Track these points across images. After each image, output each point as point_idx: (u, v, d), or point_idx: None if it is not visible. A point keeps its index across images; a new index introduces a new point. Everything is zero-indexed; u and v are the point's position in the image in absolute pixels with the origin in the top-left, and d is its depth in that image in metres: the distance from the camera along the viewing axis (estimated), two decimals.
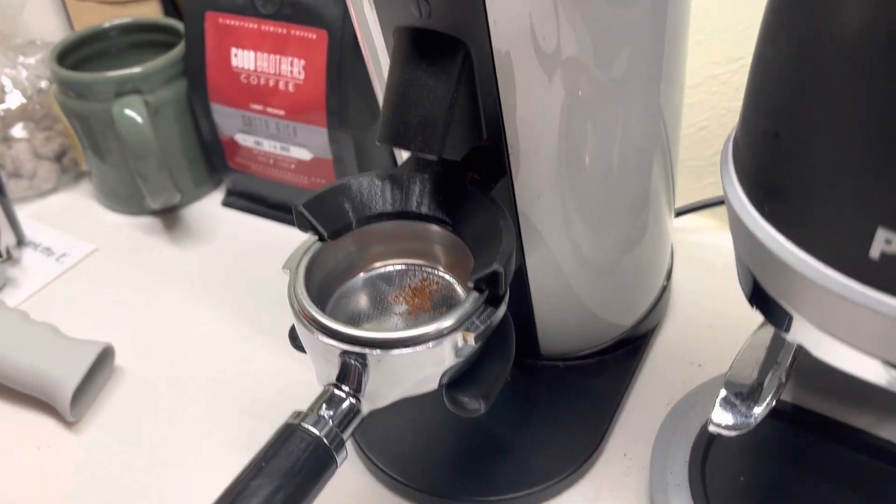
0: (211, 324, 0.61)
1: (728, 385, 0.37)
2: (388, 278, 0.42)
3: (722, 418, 0.36)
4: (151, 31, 0.73)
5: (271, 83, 0.62)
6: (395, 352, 0.34)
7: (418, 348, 0.34)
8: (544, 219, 0.43)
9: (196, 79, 0.65)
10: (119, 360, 0.58)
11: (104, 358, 0.56)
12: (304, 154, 0.63)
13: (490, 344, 0.38)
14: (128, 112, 0.62)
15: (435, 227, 0.40)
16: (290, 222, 0.69)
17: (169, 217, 0.72)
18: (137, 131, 0.62)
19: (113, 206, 0.73)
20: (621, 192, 0.44)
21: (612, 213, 0.45)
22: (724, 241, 0.64)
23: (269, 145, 0.65)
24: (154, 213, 0.72)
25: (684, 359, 0.55)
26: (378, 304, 0.40)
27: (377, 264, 0.42)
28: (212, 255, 0.68)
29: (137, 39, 0.73)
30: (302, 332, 0.37)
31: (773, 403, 0.36)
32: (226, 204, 0.72)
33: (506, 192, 0.41)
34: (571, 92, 0.37)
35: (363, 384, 0.36)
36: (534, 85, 0.36)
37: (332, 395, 0.36)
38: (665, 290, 0.56)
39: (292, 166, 0.65)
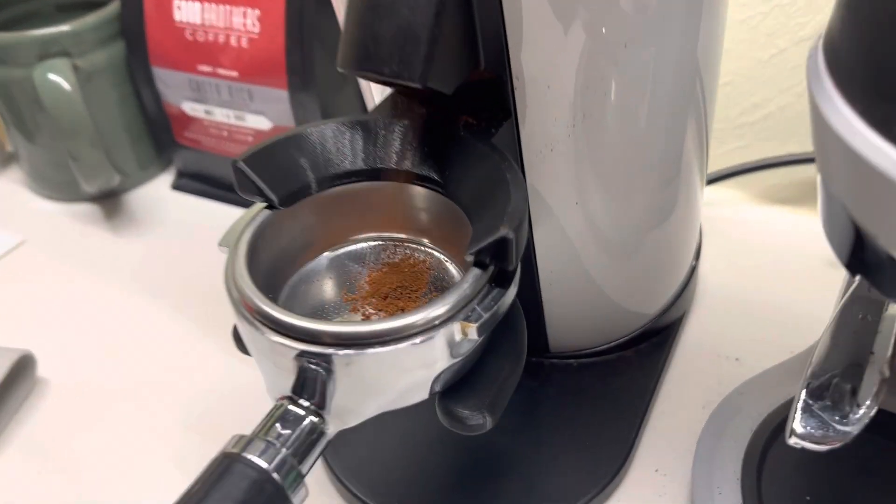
0: (156, 326, 0.53)
1: (811, 384, 0.28)
2: (359, 257, 0.33)
3: (807, 429, 0.27)
4: None
5: (221, 39, 0.53)
6: (371, 351, 0.25)
7: (401, 345, 0.25)
8: (556, 183, 0.35)
9: (134, 38, 0.57)
10: (43, 369, 0.49)
11: (22, 368, 0.47)
12: (262, 123, 0.54)
13: (495, 338, 0.29)
14: (52, 77, 0.53)
15: (420, 189, 0.31)
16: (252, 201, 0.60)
17: (109, 203, 0.64)
18: (64, 101, 0.53)
19: (43, 192, 0.65)
20: (650, 153, 0.36)
21: (639, 179, 0.37)
22: (754, 216, 0.56)
23: (221, 114, 0.56)
24: (92, 199, 0.64)
25: (718, 352, 0.47)
26: (348, 292, 0.31)
27: (345, 240, 0.33)
28: (159, 245, 0.60)
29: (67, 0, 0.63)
30: (245, 330, 0.27)
31: (875, 407, 0.27)
32: (176, 187, 0.63)
33: (509, 145, 0.32)
34: (597, 15, 0.28)
35: (328, 396, 0.27)
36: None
37: (287, 412, 0.27)
38: (693, 272, 0.47)
39: (249, 138, 0.56)
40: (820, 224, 0.27)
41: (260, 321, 0.26)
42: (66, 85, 0.53)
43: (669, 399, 0.44)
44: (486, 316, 0.26)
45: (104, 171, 0.56)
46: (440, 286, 0.31)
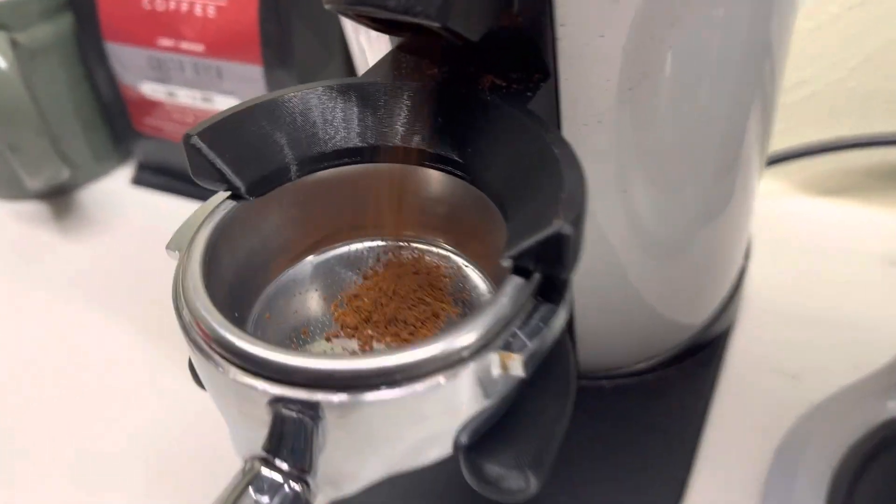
0: (112, 346, 0.45)
1: None
2: (354, 263, 0.25)
3: None
4: None
5: (184, 8, 0.45)
6: (375, 396, 0.18)
7: (417, 387, 0.18)
8: (600, 165, 0.27)
9: (84, 9, 0.50)
10: None
11: None
12: (233, 104, 0.46)
13: (536, 369, 0.21)
14: None
15: (433, 172, 0.24)
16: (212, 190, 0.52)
17: (59, 201, 0.57)
18: (1, 82, 0.45)
19: None
20: (712, 132, 0.29)
21: (696, 163, 0.30)
22: (798, 208, 0.49)
23: (186, 96, 0.48)
24: (38, 196, 0.57)
25: (773, 368, 0.40)
26: (339, 308, 0.23)
27: (336, 240, 0.25)
28: (117, 250, 0.52)
29: None
30: (201, 365, 0.20)
31: None
32: (137, 182, 0.55)
33: (545, 115, 0.25)
34: None
35: (315, 456, 0.19)
36: None
37: (259, 477, 0.19)
38: (742, 275, 0.40)
39: None
40: (875, 217, 0.20)
41: (220, 354, 0.19)
42: (2, 63, 0.46)
43: (722, 426, 0.37)
44: (533, 344, 0.19)
45: (50, 163, 0.49)
46: (463, 301, 0.23)
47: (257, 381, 0.18)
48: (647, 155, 0.28)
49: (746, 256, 0.41)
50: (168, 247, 0.22)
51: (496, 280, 0.24)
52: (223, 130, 0.22)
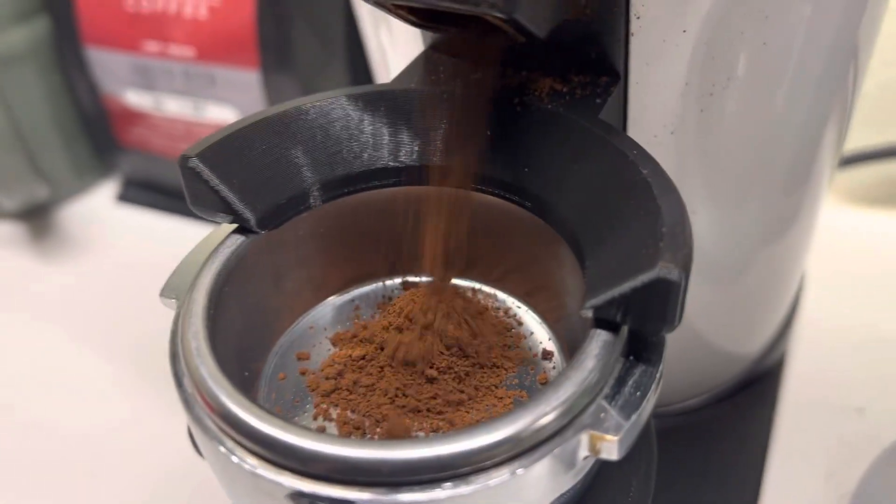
0: (94, 377, 0.41)
1: None
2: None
3: None
4: None
5: (173, 8, 0.42)
6: (430, 494, 0.14)
7: (486, 483, 0.14)
8: None
9: (62, 12, 0.46)
10: None
11: None
12: (227, 115, 0.44)
13: None
14: None
15: (483, 198, 0.20)
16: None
17: (37, 221, 0.53)
18: None
19: None
20: (784, 147, 0.25)
21: (765, 179, 0.26)
22: (847, 220, 0.45)
23: (175, 106, 0.44)
24: (14, 216, 0.53)
25: (834, 401, 0.37)
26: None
27: (363, 278, 0.21)
28: (101, 273, 0.48)
29: None
30: (205, 443, 0.16)
31: None
32: (123, 198, 0.51)
33: (613, 122, 0.21)
34: None
35: None
36: None
37: None
38: (797, 299, 0.37)
39: None
40: None
41: (231, 437, 0.15)
42: None
43: (783, 470, 0.33)
44: (629, 421, 0.15)
45: (26, 180, 0.45)
46: (523, 360, 0.19)
47: (279, 474, 0.14)
48: (718, 167, 0.24)
49: (800, 279, 0.37)
50: (163, 294, 0.18)
51: (555, 328, 0.20)
52: (228, 150, 0.18)
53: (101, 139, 0.51)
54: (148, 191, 0.52)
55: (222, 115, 0.44)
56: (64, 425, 0.39)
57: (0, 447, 0.38)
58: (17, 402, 0.40)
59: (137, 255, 0.49)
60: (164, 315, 0.42)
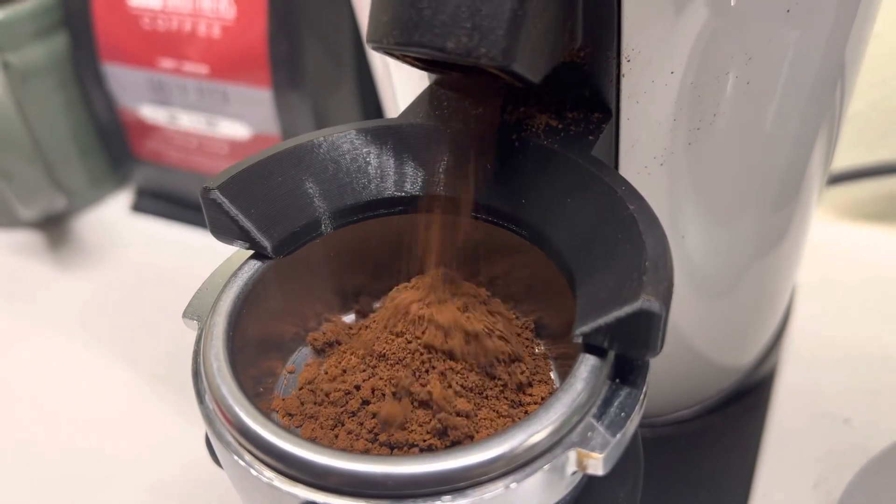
0: (111, 386, 0.42)
1: None
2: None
3: None
4: None
5: (187, 27, 0.43)
6: None
7: (482, 496, 0.15)
8: (649, 199, 0.25)
9: (79, 29, 0.47)
10: None
11: None
12: (239, 130, 0.44)
13: None
14: None
15: (483, 227, 0.21)
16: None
17: (54, 230, 0.54)
18: None
19: None
20: (772, 172, 0.26)
21: (757, 197, 0.27)
22: (839, 236, 0.46)
23: (189, 121, 0.46)
24: (32, 225, 0.54)
25: (822, 411, 0.38)
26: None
27: (371, 298, 0.23)
28: (115, 281, 0.49)
29: None
30: (221, 453, 0.17)
31: None
32: (136, 209, 0.53)
33: (603, 155, 0.22)
34: None
35: None
36: None
37: None
38: (788, 312, 0.38)
39: (224, 150, 0.46)
40: None
41: (250, 451, 0.16)
42: None
43: (772, 479, 0.35)
44: (614, 439, 0.16)
45: (45, 191, 0.46)
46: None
47: (294, 486, 0.16)
48: (707, 195, 0.25)
49: (791, 290, 0.39)
50: (185, 315, 0.20)
51: (552, 360, 0.21)
52: (247, 182, 0.20)
53: (116, 151, 0.52)
54: (161, 201, 0.53)
55: (234, 130, 0.45)
56: (76, 430, 0.40)
57: (15, 452, 0.39)
58: (32, 407, 0.41)
59: (150, 262, 0.50)
60: (175, 320, 0.44)
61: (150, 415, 0.40)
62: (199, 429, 0.38)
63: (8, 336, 0.45)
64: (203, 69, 0.43)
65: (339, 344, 0.22)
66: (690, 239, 0.27)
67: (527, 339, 0.22)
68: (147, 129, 0.48)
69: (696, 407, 0.35)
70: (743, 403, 0.36)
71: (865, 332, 0.40)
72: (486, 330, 0.19)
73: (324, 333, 0.22)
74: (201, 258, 0.49)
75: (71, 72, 0.49)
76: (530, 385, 0.20)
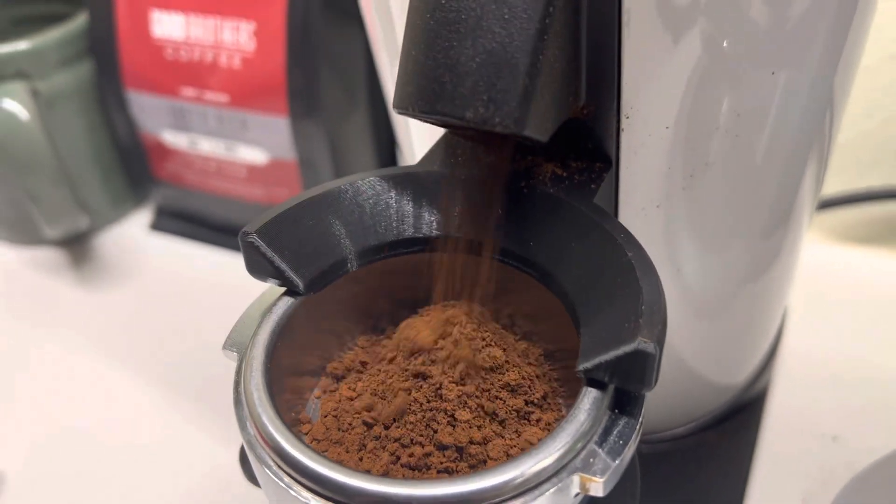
0: (133, 401, 0.44)
1: None
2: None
3: None
4: (43, 1, 0.55)
5: (209, 58, 0.44)
6: None
7: None
8: (652, 247, 0.26)
9: (105, 57, 0.49)
10: None
11: None
12: (257, 156, 0.46)
13: None
14: (6, 104, 0.45)
15: (495, 265, 0.23)
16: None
17: (76, 248, 0.56)
18: (21, 132, 0.45)
19: None
20: (763, 206, 0.28)
21: (748, 229, 0.29)
22: (830, 259, 0.48)
23: (209, 146, 0.47)
24: (55, 243, 0.56)
25: (812, 430, 0.40)
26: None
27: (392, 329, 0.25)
28: (136, 298, 0.51)
29: (24, 13, 0.56)
30: (261, 474, 0.19)
31: None
32: (155, 227, 0.55)
33: (602, 200, 0.24)
34: (750, 29, 0.20)
35: None
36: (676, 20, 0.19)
37: None
38: (780, 333, 0.40)
39: (242, 174, 0.48)
40: None
41: (290, 476, 0.18)
42: (23, 113, 0.45)
43: (763, 494, 0.36)
44: (614, 464, 0.18)
45: (69, 211, 0.48)
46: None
47: None
48: (700, 232, 0.27)
49: (783, 312, 0.41)
50: (225, 346, 0.22)
51: (556, 388, 0.23)
52: (281, 226, 0.22)
53: (137, 173, 0.53)
54: (179, 220, 0.55)
55: (252, 155, 0.47)
56: (97, 444, 0.41)
57: (39, 467, 0.40)
58: (51, 421, 0.43)
59: (168, 279, 0.52)
60: (195, 335, 0.46)
61: (170, 427, 0.42)
62: (219, 440, 0.40)
63: (31, 349, 0.47)
64: (223, 98, 0.45)
65: (359, 371, 0.24)
66: (686, 271, 0.29)
67: (539, 364, 0.24)
68: (167, 153, 0.50)
69: (692, 424, 0.37)
70: (736, 421, 0.38)
71: (854, 352, 0.42)
72: (499, 361, 0.21)
73: (341, 362, 0.24)
74: (217, 275, 0.51)
75: (94, 97, 0.51)
76: (537, 409, 0.22)
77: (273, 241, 0.22)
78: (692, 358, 0.34)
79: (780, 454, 0.38)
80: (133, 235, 0.56)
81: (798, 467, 0.37)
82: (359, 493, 0.18)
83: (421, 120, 0.20)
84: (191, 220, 0.54)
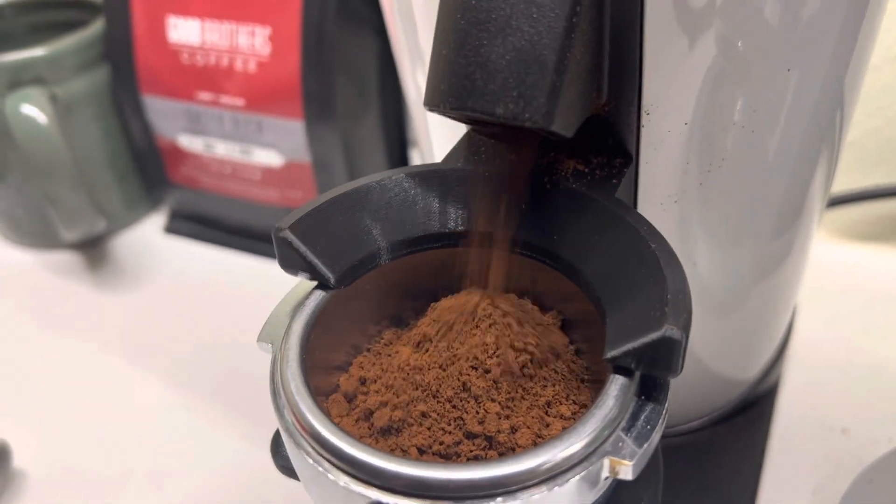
0: (151, 400, 0.45)
1: None
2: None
3: None
4: (60, 8, 0.56)
5: (224, 62, 0.45)
6: None
7: (528, 498, 0.18)
8: (671, 240, 0.27)
9: (121, 63, 0.50)
10: (19, 460, 0.41)
11: None
12: (272, 158, 0.47)
13: None
14: (25, 109, 0.45)
15: (521, 260, 0.24)
16: (258, 252, 0.52)
17: (92, 251, 0.56)
18: (40, 136, 0.46)
19: (16, 238, 0.58)
20: (776, 200, 0.29)
21: (755, 224, 0.30)
22: (839, 256, 0.49)
23: (224, 149, 0.48)
24: (72, 246, 0.56)
25: (821, 423, 0.40)
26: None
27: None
28: (151, 300, 0.52)
29: (41, 20, 0.56)
30: (298, 460, 0.20)
31: None
32: (170, 230, 0.56)
33: (622, 195, 0.25)
34: (766, 28, 0.21)
35: None
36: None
37: None
38: (790, 327, 0.40)
39: (257, 176, 0.48)
40: None
41: (328, 459, 0.19)
42: (41, 118, 0.46)
43: (775, 486, 0.37)
44: (642, 448, 0.19)
45: (87, 215, 0.49)
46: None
47: (363, 487, 0.18)
48: (715, 226, 0.28)
49: (794, 308, 0.41)
50: (260, 339, 0.22)
51: (582, 376, 0.24)
52: (312, 222, 0.22)
53: (152, 176, 0.54)
54: (192, 223, 0.56)
55: (267, 158, 0.48)
56: (114, 444, 0.42)
57: (55, 463, 0.41)
58: (67, 421, 0.43)
59: (182, 281, 0.53)
60: (211, 336, 0.47)
61: (185, 427, 0.42)
62: (235, 438, 0.41)
63: (48, 351, 0.48)
64: (239, 102, 0.46)
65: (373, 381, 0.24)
66: (701, 265, 0.29)
67: (566, 354, 0.24)
68: (183, 156, 0.51)
69: (705, 418, 0.38)
70: (748, 414, 0.39)
71: (863, 346, 0.43)
72: (529, 346, 0.22)
73: (350, 376, 0.24)
74: (231, 277, 0.52)
75: (110, 101, 0.51)
76: (565, 400, 0.22)
77: (306, 237, 0.22)
78: (705, 353, 0.34)
79: (791, 447, 0.39)
80: (148, 238, 0.57)
81: (809, 459, 0.38)
82: (397, 476, 0.18)
83: (451, 117, 0.21)
84: (205, 223, 0.55)
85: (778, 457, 0.38)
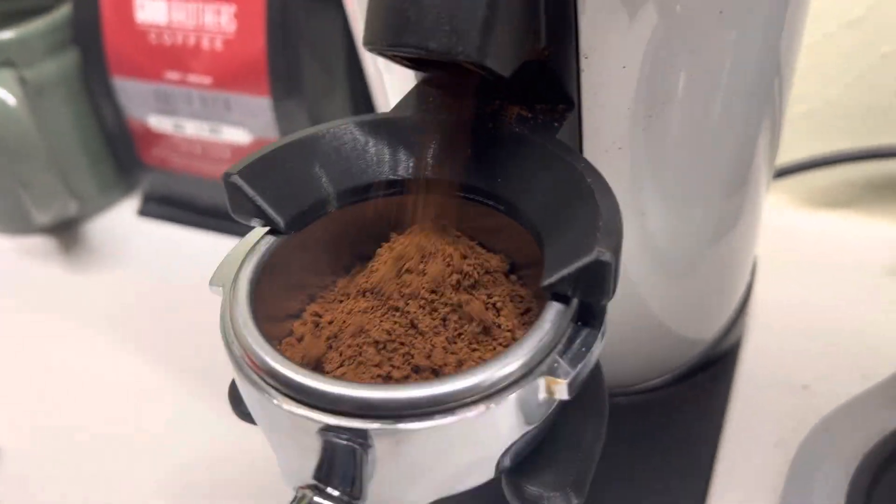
0: (127, 379, 0.45)
1: None
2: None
3: None
4: None
5: (192, 41, 0.46)
6: (420, 425, 0.18)
7: (465, 414, 0.19)
8: (619, 189, 0.27)
9: (90, 45, 0.50)
10: None
11: None
12: (241, 136, 0.47)
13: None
14: None
15: (468, 205, 0.24)
16: (231, 232, 0.52)
17: (65, 235, 0.57)
18: (10, 119, 0.47)
19: None
20: (724, 151, 0.30)
21: (708, 182, 0.30)
22: (800, 222, 0.50)
23: (193, 128, 0.49)
24: (45, 230, 0.56)
25: (783, 380, 0.41)
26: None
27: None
28: (126, 282, 0.52)
29: (10, 6, 0.57)
30: (249, 393, 0.21)
31: None
32: (143, 213, 0.56)
33: (567, 142, 0.25)
34: None
35: (363, 483, 0.20)
36: None
37: None
38: (749, 290, 0.41)
39: (227, 154, 0.49)
40: (875, 229, 0.21)
41: (273, 386, 0.20)
42: (11, 100, 0.46)
43: (737, 440, 0.38)
44: (576, 369, 0.20)
45: (59, 197, 0.49)
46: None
47: (310, 411, 0.19)
48: (663, 176, 0.29)
49: (752, 271, 0.42)
50: (212, 282, 0.23)
51: (524, 304, 0.24)
52: (262, 168, 0.23)
53: (123, 158, 0.55)
54: (166, 205, 0.56)
55: (236, 136, 0.48)
56: (91, 428, 0.42)
57: (33, 448, 0.41)
58: (46, 405, 0.44)
59: (156, 263, 0.53)
60: (185, 315, 0.47)
61: (161, 410, 0.43)
62: (213, 420, 0.41)
63: (22, 335, 0.48)
64: (206, 80, 0.47)
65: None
66: (651, 216, 0.30)
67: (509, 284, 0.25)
68: (154, 137, 0.52)
69: (667, 376, 0.38)
70: (710, 372, 0.39)
71: (822, 305, 0.44)
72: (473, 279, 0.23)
73: (304, 322, 0.25)
74: (205, 258, 0.52)
75: (81, 85, 0.52)
76: (508, 333, 0.23)
77: (255, 182, 0.23)
78: (663, 312, 0.35)
79: (753, 403, 0.39)
80: (121, 222, 0.57)
81: (771, 415, 0.39)
82: (341, 399, 0.19)
83: (388, 58, 0.21)
84: (178, 205, 0.55)
85: (740, 413, 0.39)
